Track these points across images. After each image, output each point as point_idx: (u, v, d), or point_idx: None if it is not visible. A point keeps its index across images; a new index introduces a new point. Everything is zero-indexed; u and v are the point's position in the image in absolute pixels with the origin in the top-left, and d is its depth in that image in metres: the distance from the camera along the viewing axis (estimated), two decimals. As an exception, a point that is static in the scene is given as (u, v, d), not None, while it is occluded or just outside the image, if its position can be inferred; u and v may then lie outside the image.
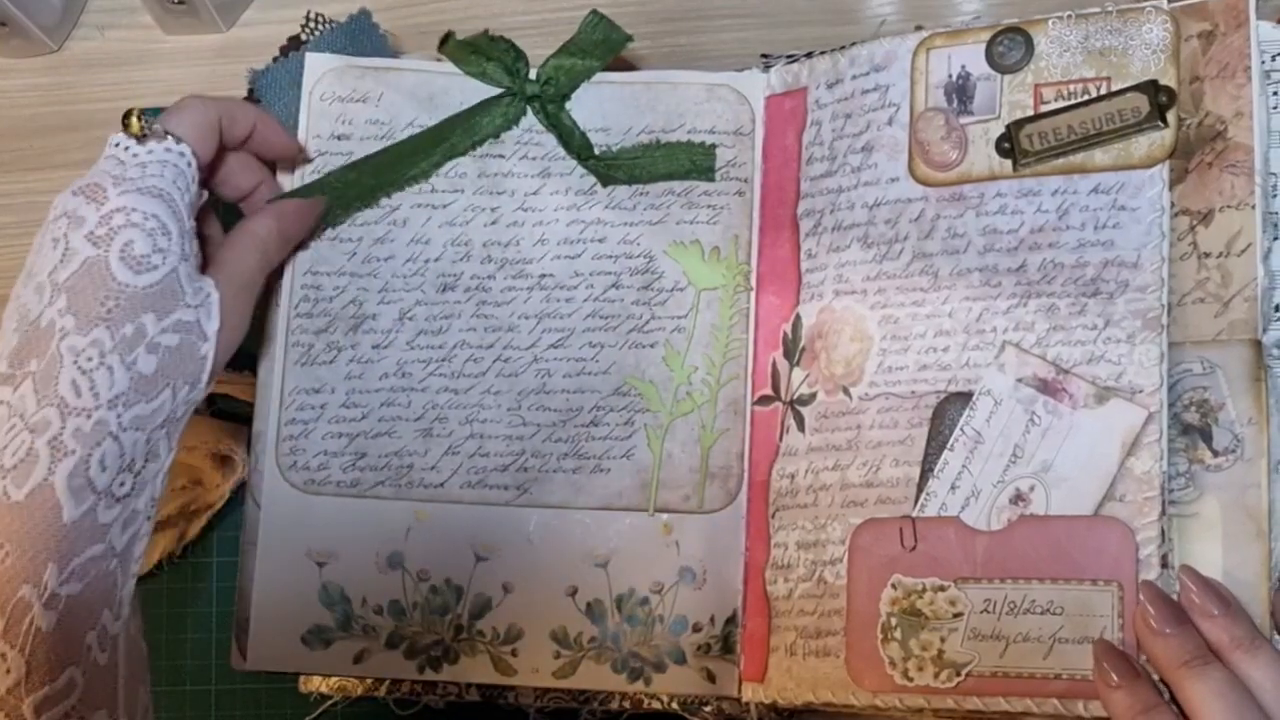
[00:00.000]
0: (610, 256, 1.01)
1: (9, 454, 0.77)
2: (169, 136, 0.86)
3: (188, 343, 0.83)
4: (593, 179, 1.01)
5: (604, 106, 1.02)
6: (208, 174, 0.93)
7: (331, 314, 1.00)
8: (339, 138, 1.02)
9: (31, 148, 1.18)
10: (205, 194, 0.92)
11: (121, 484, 0.80)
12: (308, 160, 1.01)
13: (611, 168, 1.01)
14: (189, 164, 0.87)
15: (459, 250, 1.01)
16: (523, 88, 1.02)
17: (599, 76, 1.02)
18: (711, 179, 1.01)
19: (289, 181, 1.01)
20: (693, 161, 1.00)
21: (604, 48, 1.02)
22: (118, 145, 0.86)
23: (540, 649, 0.97)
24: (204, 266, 0.88)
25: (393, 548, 0.98)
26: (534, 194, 1.02)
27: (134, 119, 0.85)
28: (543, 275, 1.01)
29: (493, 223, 1.01)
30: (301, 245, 1.00)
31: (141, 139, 0.86)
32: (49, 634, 0.75)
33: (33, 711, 0.74)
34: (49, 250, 0.82)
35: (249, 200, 0.97)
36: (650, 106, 1.02)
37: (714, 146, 1.01)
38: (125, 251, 0.81)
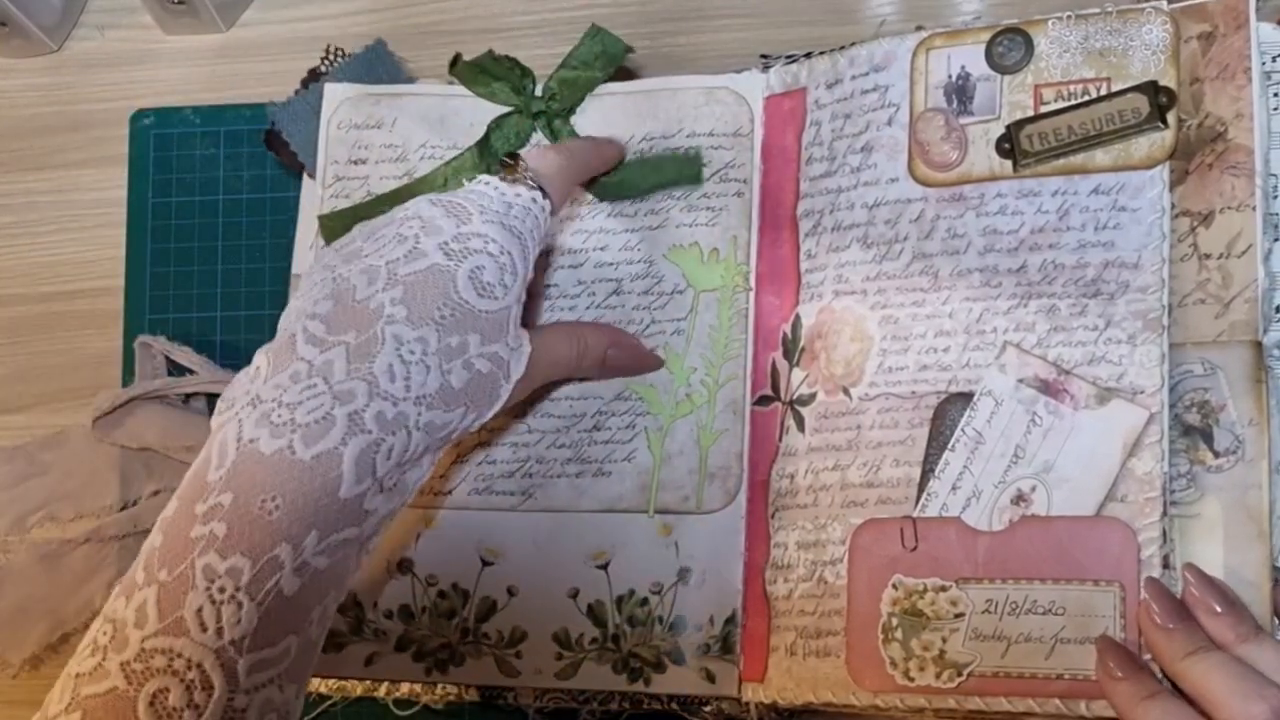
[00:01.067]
0: (611, 264, 1.01)
1: (304, 410, 0.76)
2: (538, 188, 0.88)
3: (495, 375, 0.83)
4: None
5: (608, 117, 1.03)
6: None
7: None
8: (355, 163, 1.03)
9: (31, 148, 1.18)
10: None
11: (391, 479, 0.79)
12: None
13: (604, 188, 1.01)
14: (545, 219, 0.89)
15: None
16: (529, 105, 1.02)
17: (602, 88, 1.03)
18: (699, 184, 1.01)
19: (312, 200, 1.02)
20: (679, 172, 1.01)
21: (605, 60, 1.02)
22: (486, 183, 0.88)
23: (543, 651, 0.97)
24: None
25: (402, 554, 0.99)
26: None
27: (517, 164, 0.89)
28: (547, 286, 1.01)
29: None
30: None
31: (512, 182, 0.88)
32: (289, 598, 0.74)
33: (246, 669, 0.72)
34: (392, 243, 0.82)
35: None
36: (651, 113, 1.02)
37: (699, 153, 1.02)
38: (474, 274, 0.82)
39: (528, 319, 0.90)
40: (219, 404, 0.80)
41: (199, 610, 0.72)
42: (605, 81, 1.03)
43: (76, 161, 1.17)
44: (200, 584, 0.72)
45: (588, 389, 1.00)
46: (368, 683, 1.01)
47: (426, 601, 0.98)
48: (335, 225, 1.01)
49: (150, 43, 1.19)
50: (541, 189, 0.89)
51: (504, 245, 0.83)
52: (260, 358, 0.80)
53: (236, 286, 1.12)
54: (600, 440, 0.99)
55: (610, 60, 1.03)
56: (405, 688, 1.01)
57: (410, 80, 1.09)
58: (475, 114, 1.04)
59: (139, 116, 1.15)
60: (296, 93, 1.07)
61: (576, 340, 0.94)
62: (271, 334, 1.02)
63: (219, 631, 0.72)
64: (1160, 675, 0.81)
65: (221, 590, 0.72)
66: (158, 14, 1.16)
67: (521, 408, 1.00)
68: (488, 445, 1.00)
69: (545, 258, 1.00)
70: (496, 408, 0.84)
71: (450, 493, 1.00)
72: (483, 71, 1.03)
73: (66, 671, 0.73)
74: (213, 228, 1.13)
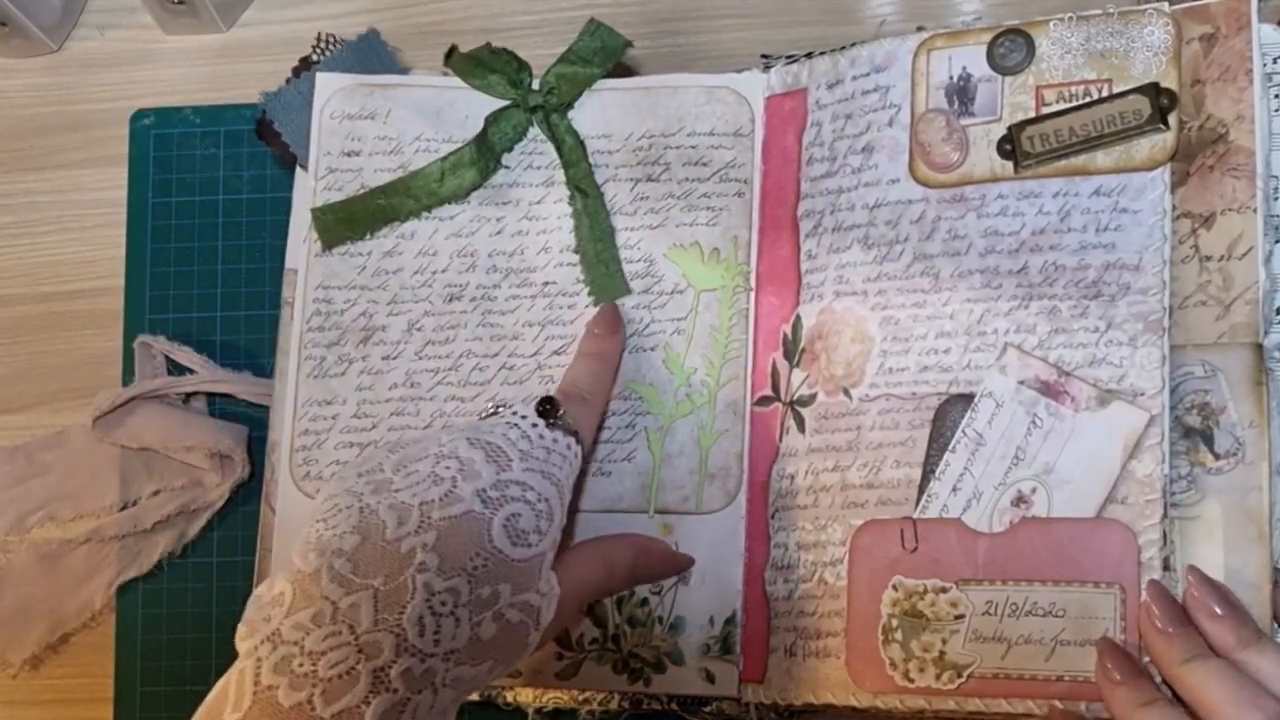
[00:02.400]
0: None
1: (327, 662, 0.73)
2: (574, 433, 0.88)
3: (525, 625, 0.80)
4: (595, 185, 1.01)
5: (606, 113, 1.03)
6: None
7: (343, 327, 1.02)
8: (349, 154, 1.03)
9: (31, 148, 1.18)
10: None
11: None
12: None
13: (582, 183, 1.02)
14: (578, 462, 0.88)
15: (465, 261, 1.02)
16: (525, 98, 1.02)
17: (601, 84, 1.03)
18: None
19: (305, 192, 1.02)
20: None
21: (603, 54, 1.02)
22: (525, 418, 0.87)
23: (543, 651, 0.96)
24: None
25: None
26: (538, 203, 1.02)
27: (558, 411, 0.89)
28: (546, 283, 1.01)
29: (498, 233, 1.02)
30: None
31: (551, 425, 0.87)
32: None
33: None
34: (428, 483, 0.80)
35: None
36: (651, 111, 1.02)
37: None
38: (510, 522, 0.80)
39: (558, 554, 0.87)
40: (241, 626, 0.76)
41: None
42: (604, 77, 1.03)
43: (76, 161, 1.17)
44: None
45: None
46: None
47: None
48: (329, 219, 1.01)
49: (150, 43, 1.19)
50: (576, 434, 0.88)
51: (542, 493, 0.83)
52: (282, 582, 0.77)
53: (236, 286, 1.12)
54: (600, 440, 0.99)
55: (609, 55, 1.02)
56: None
57: (404, 71, 1.08)
58: (471, 107, 1.04)
59: (139, 116, 1.15)
60: (288, 82, 1.06)
61: (603, 562, 0.91)
62: (272, 333, 1.03)
63: None
64: (1159, 680, 0.81)
65: None
66: (158, 14, 1.16)
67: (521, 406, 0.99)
68: None
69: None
70: (525, 655, 0.82)
71: None
72: (479, 64, 1.02)
73: None
74: (213, 228, 1.13)
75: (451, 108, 1.04)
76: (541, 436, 0.86)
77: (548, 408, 0.88)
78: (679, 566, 0.97)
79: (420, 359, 1.01)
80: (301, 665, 0.73)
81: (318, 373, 1.01)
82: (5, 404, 1.14)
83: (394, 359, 1.01)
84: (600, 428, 0.97)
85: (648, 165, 1.02)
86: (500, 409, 0.88)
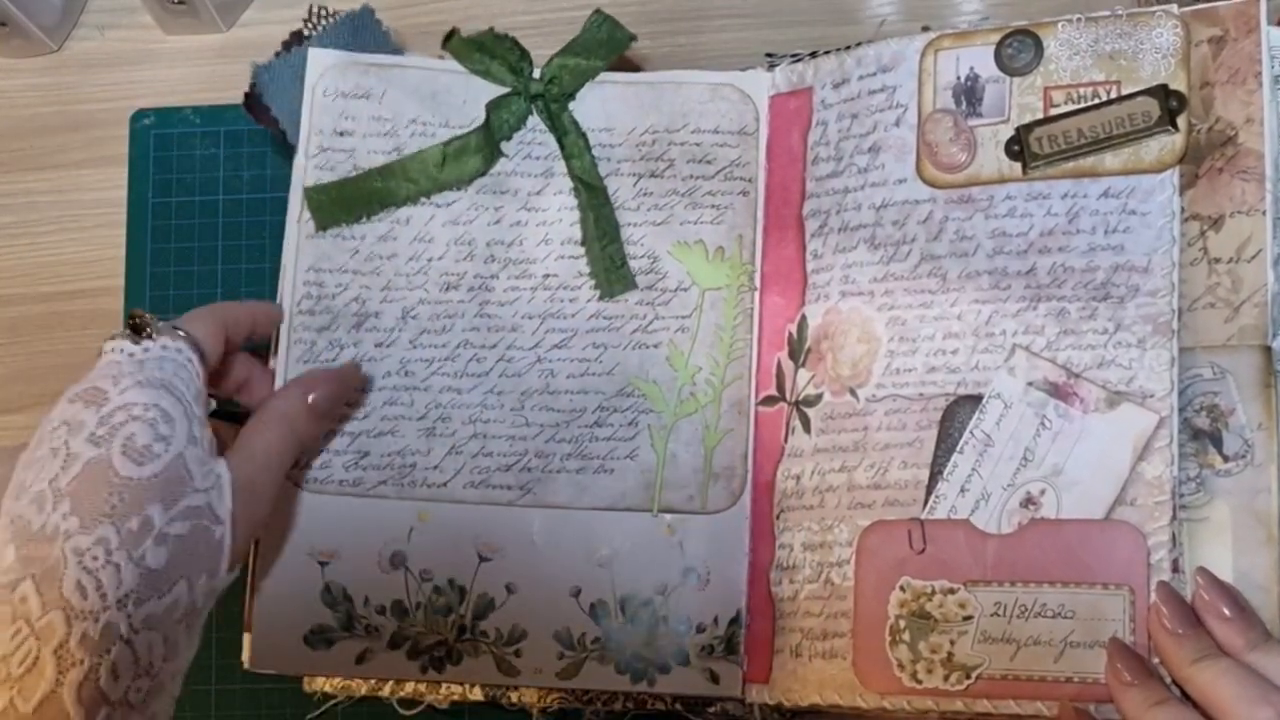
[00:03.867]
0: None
1: (15, 661, 0.73)
2: (172, 334, 0.86)
3: (200, 528, 0.80)
4: (599, 179, 1.01)
5: (607, 106, 1.02)
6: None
7: (334, 311, 1.01)
8: (341, 134, 1.02)
9: (31, 148, 1.17)
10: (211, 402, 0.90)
11: (138, 690, 0.77)
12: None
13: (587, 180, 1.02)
14: (189, 359, 0.86)
15: (462, 249, 1.01)
16: (526, 86, 1.02)
17: (603, 76, 1.02)
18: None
19: (295, 175, 1.02)
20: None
21: (608, 47, 1.02)
22: (113, 350, 0.85)
23: (544, 650, 0.97)
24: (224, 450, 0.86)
25: (395, 547, 0.98)
26: (537, 194, 1.02)
27: (143, 323, 0.86)
28: (546, 275, 1.01)
29: (496, 222, 1.01)
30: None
31: (140, 340, 0.85)
32: None
33: None
34: (48, 460, 0.79)
35: (246, 391, 0.97)
36: (654, 106, 1.02)
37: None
38: (127, 445, 0.79)
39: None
40: None
41: None
42: (607, 71, 1.03)
43: (76, 161, 1.17)
44: None
45: (588, 383, 0.99)
46: (372, 682, 1.00)
47: (421, 597, 0.97)
48: (322, 199, 1.01)
49: (150, 43, 1.18)
50: (179, 333, 0.86)
51: (148, 401, 0.81)
52: None
53: (236, 286, 1.12)
54: (602, 437, 0.98)
55: (613, 48, 1.02)
56: (410, 687, 1.00)
57: (398, 51, 1.08)
58: (469, 92, 1.03)
59: (139, 116, 1.15)
60: (278, 55, 1.05)
61: (277, 417, 0.91)
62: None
63: None
64: (1169, 681, 0.81)
65: None
66: (158, 14, 1.16)
67: (518, 399, 1.00)
68: (484, 437, 0.99)
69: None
70: (225, 554, 0.82)
71: (445, 485, 0.99)
72: (480, 48, 1.02)
73: None
74: (213, 228, 1.13)
75: (449, 92, 1.03)
76: (132, 354, 0.84)
77: (134, 322, 0.85)
78: (347, 379, 0.98)
79: (415, 348, 1.00)
80: None
81: (308, 358, 1.00)
82: (5, 404, 1.14)
83: (387, 346, 1.00)
84: (220, 333, 0.92)
85: (651, 161, 1.02)
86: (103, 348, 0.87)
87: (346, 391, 0.98)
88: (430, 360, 1.00)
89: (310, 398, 0.93)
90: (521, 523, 0.98)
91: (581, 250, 1.01)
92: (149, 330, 0.85)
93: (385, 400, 1.00)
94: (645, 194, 1.01)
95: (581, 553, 0.98)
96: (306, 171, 1.02)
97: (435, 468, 0.99)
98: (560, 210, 1.02)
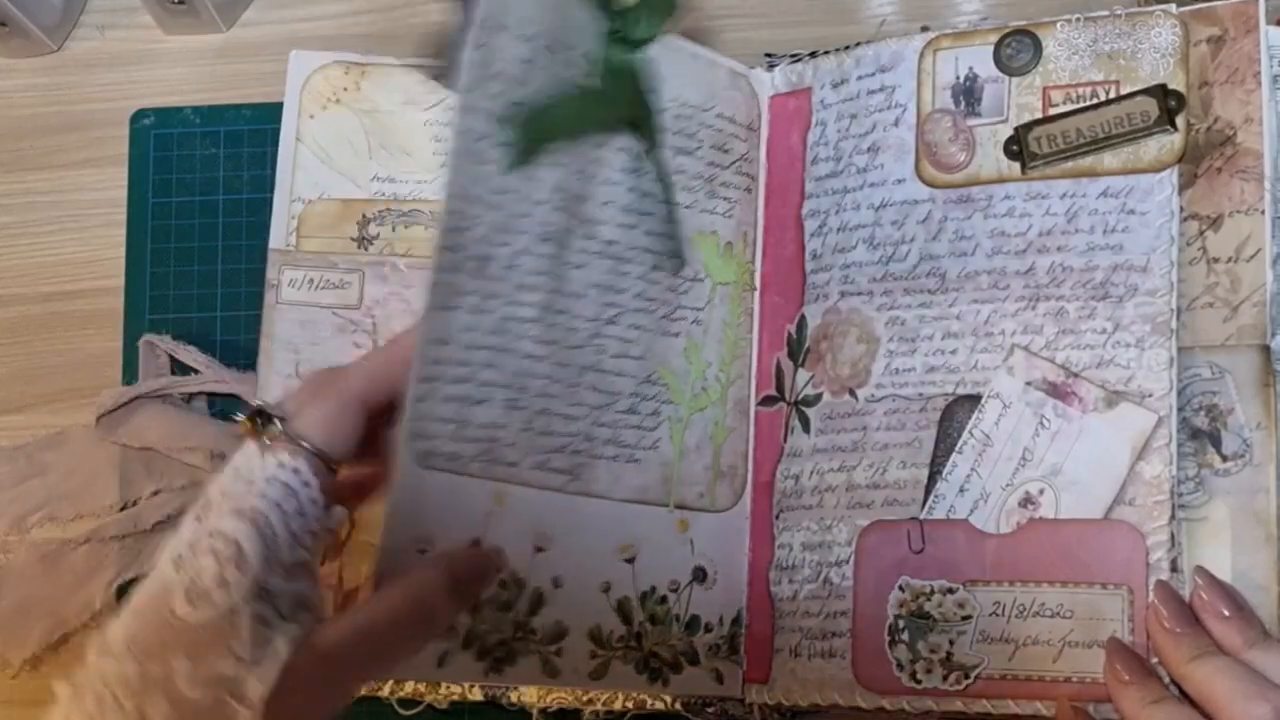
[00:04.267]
0: (655, 234, 0.96)
1: None
2: (297, 448, 0.75)
3: (221, 705, 0.67)
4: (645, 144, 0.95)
5: (660, 67, 0.96)
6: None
7: (464, 249, 0.85)
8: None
9: (31, 148, 1.17)
10: (338, 512, 0.80)
11: None
12: None
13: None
14: (305, 483, 0.74)
15: (557, 196, 0.91)
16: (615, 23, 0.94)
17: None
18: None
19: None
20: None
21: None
22: (245, 453, 0.75)
23: (580, 649, 0.91)
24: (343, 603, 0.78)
25: (474, 534, 0.86)
26: (600, 146, 0.94)
27: (267, 428, 0.75)
28: (609, 241, 0.93)
29: (575, 170, 0.92)
30: None
31: (263, 451, 0.75)
32: None
33: None
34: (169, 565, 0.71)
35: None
36: (692, 79, 0.98)
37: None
38: (194, 583, 0.69)
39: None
40: None
41: None
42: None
43: (76, 161, 1.17)
44: None
45: (624, 365, 0.93)
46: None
47: (490, 592, 0.87)
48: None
49: (150, 43, 1.18)
50: (304, 448, 0.75)
51: (230, 535, 0.70)
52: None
53: (236, 286, 1.11)
54: (632, 424, 0.94)
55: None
56: (409, 687, 1.00)
57: None
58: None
59: (139, 116, 1.15)
60: None
61: (411, 589, 0.76)
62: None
63: None
64: (1167, 680, 0.81)
65: None
66: (158, 14, 1.16)
67: (577, 373, 0.91)
68: (548, 414, 0.90)
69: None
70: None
71: (517, 465, 0.88)
72: None
73: None
74: (213, 228, 1.13)
75: None
76: (250, 469, 0.74)
77: (258, 426, 0.75)
78: (498, 563, 0.85)
79: (512, 304, 0.88)
80: None
81: (440, 304, 0.85)
82: (5, 404, 1.14)
83: (494, 299, 0.87)
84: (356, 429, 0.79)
85: (685, 136, 0.98)
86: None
87: (492, 575, 0.86)
88: (522, 320, 0.88)
89: (453, 578, 0.79)
90: (568, 512, 0.91)
91: (634, 221, 0.94)
92: (266, 437, 0.74)
93: (486, 362, 0.86)
94: (680, 171, 0.97)
95: (611, 546, 0.93)
96: None
97: (511, 444, 0.88)
98: (619, 171, 0.94)
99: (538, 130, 0.87)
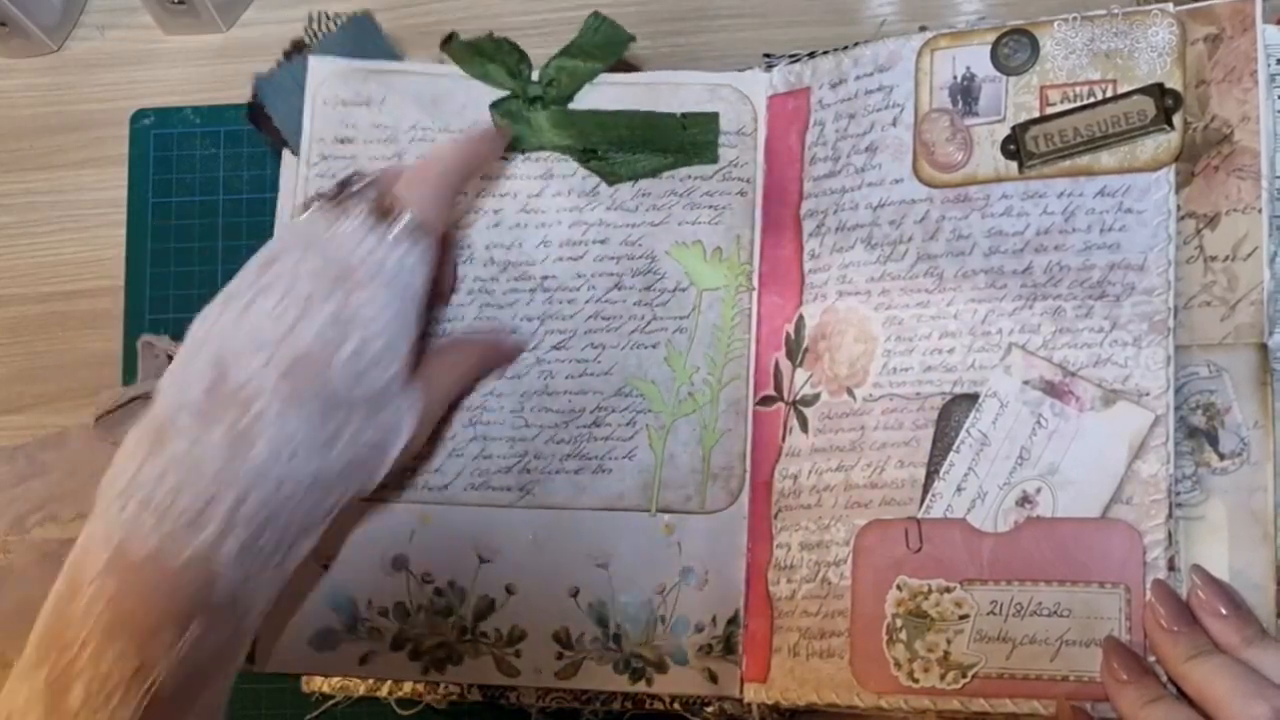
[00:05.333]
0: (613, 258, 1.00)
1: (176, 510, 0.75)
2: (419, 230, 0.86)
3: (381, 443, 0.84)
4: (596, 180, 1.01)
5: (606, 108, 1.02)
6: None
7: None
8: (342, 141, 1.02)
9: (31, 148, 1.18)
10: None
11: (268, 570, 0.79)
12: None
13: (613, 166, 1.01)
14: (429, 264, 0.87)
15: (462, 253, 1.01)
16: (525, 89, 1.01)
17: (601, 78, 1.02)
18: (714, 159, 1.01)
19: (291, 177, 1.03)
20: (692, 143, 1.01)
21: (607, 49, 1.01)
22: (365, 227, 0.85)
23: (543, 650, 0.97)
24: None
25: (397, 550, 0.98)
26: (536, 196, 1.01)
27: (394, 210, 0.86)
28: (545, 277, 1.00)
29: (495, 225, 1.01)
30: None
31: (388, 226, 0.85)
32: (164, 700, 0.74)
33: None
34: (270, 320, 0.81)
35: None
36: (652, 107, 1.02)
37: (715, 116, 1.01)
38: (357, 353, 0.81)
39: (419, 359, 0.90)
40: (101, 486, 0.78)
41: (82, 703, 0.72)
42: (605, 72, 1.03)
43: (76, 161, 1.17)
44: (86, 673, 0.72)
45: (586, 384, 0.99)
46: (370, 682, 1.01)
47: (423, 599, 0.97)
48: None
49: (150, 43, 1.19)
50: (426, 233, 0.87)
51: (388, 315, 0.83)
52: (133, 439, 0.79)
53: (237, 287, 1.12)
54: (600, 437, 0.98)
55: (612, 50, 1.02)
56: (408, 687, 1.01)
57: (399, 57, 1.08)
58: (469, 96, 1.03)
59: (139, 116, 1.15)
60: (279, 64, 1.05)
61: (463, 365, 0.96)
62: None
63: None
64: (1165, 679, 0.81)
65: (101, 686, 0.72)
66: (158, 14, 1.16)
67: (517, 401, 0.99)
68: (484, 439, 0.99)
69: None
70: (384, 471, 0.86)
71: (446, 488, 0.99)
72: (478, 52, 1.02)
73: None
74: (213, 228, 1.13)
75: (449, 97, 1.03)
76: (389, 251, 0.84)
77: (384, 204, 0.86)
78: (517, 350, 1.00)
79: None
80: (153, 515, 0.75)
81: None
82: (5, 404, 1.14)
83: None
84: (450, 213, 0.94)
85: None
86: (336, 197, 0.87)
87: (504, 361, 1.00)
88: None
89: (485, 361, 0.98)
90: (521, 524, 0.98)
91: (580, 252, 1.01)
92: (394, 219, 0.86)
93: None
94: (644, 194, 1.01)
95: (580, 553, 0.97)
96: (307, 180, 1.02)
97: (436, 471, 0.99)
98: (559, 212, 1.01)
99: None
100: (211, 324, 0.82)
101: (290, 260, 0.83)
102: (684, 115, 1.01)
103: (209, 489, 0.76)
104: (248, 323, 0.81)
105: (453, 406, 0.98)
